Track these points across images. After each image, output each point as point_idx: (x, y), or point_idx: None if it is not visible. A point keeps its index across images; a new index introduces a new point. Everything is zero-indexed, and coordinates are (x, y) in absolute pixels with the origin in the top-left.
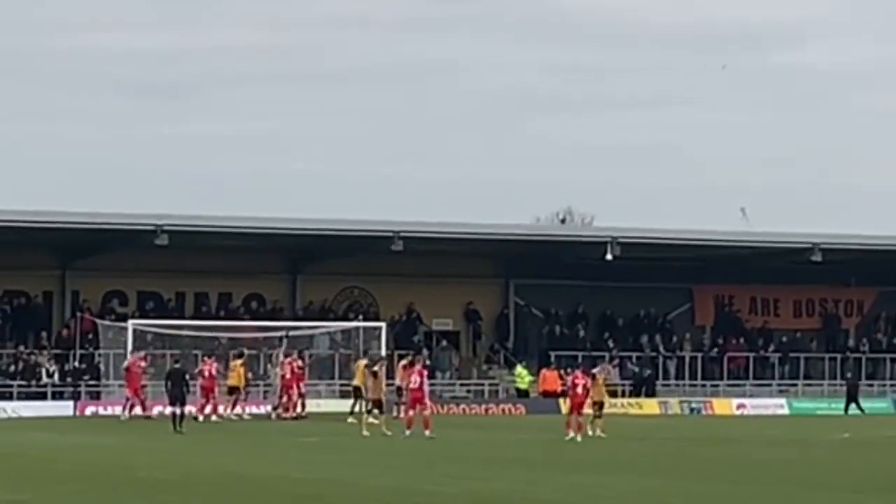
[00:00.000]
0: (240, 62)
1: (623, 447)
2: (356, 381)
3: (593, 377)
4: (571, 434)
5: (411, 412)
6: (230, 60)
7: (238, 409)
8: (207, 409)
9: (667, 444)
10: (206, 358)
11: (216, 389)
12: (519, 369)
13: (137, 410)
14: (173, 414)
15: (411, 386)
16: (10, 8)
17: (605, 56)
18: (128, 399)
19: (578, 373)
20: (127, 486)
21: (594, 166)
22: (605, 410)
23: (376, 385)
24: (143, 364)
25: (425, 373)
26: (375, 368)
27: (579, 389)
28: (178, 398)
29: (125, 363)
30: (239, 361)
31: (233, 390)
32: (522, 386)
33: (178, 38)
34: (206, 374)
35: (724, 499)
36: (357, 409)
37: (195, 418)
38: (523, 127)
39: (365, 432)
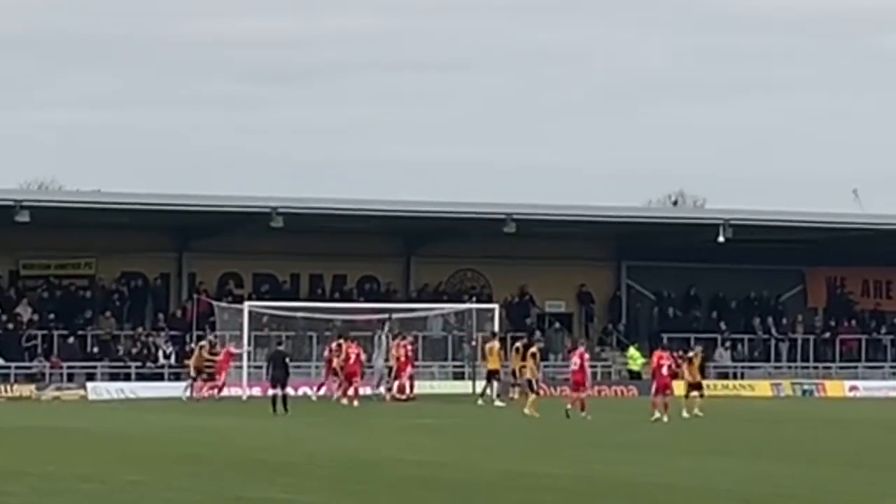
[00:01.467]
0: (358, 48)
1: (735, 429)
2: (491, 365)
3: (689, 360)
4: (657, 414)
5: (574, 394)
6: (349, 47)
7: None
8: (350, 392)
9: (781, 426)
10: (348, 341)
11: (360, 373)
12: (631, 351)
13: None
14: (274, 396)
15: (572, 368)
16: None
17: (719, 40)
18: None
19: (663, 353)
20: (245, 467)
21: (706, 149)
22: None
23: (533, 366)
24: (234, 352)
25: (587, 356)
26: (534, 350)
27: (664, 370)
28: (279, 380)
29: (221, 349)
30: (334, 344)
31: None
32: (635, 368)
33: (296, 24)
34: (352, 357)
35: (839, 483)
36: (489, 391)
37: (337, 400)
38: (636, 111)
39: (529, 411)
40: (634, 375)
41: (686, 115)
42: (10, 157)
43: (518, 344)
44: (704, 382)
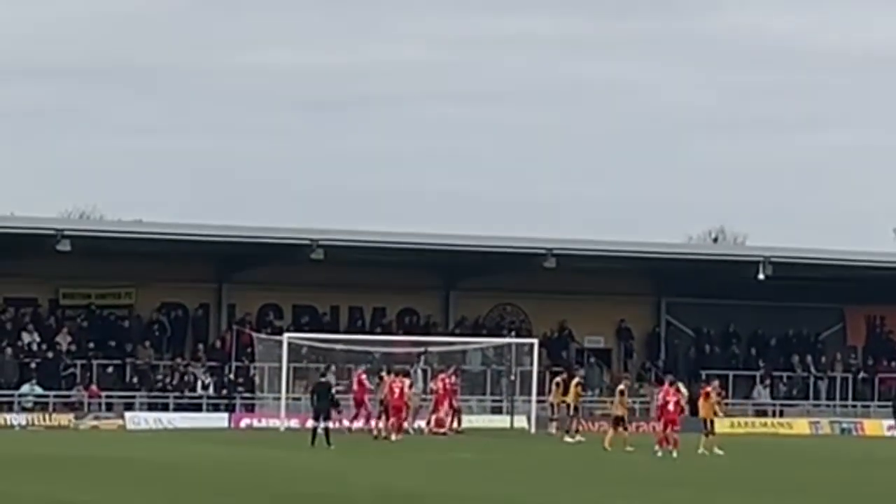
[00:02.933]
0: (400, 80)
1: (775, 468)
2: (570, 399)
3: (706, 395)
4: (660, 450)
5: (666, 431)
6: (389, 78)
7: (360, 423)
8: (393, 425)
9: (821, 466)
10: (392, 375)
11: (405, 408)
12: (680, 387)
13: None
14: (314, 428)
15: (669, 407)
16: (190, 25)
17: (761, 77)
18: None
19: (669, 388)
20: (285, 500)
21: (748, 186)
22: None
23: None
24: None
25: (679, 394)
26: (622, 387)
27: (671, 406)
28: (322, 412)
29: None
30: (364, 377)
31: (359, 404)
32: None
33: (339, 56)
34: (396, 391)
35: None
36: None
37: (385, 437)
38: (677, 146)
39: (629, 448)
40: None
41: (728, 152)
42: (52, 186)
43: (558, 378)
44: (740, 420)
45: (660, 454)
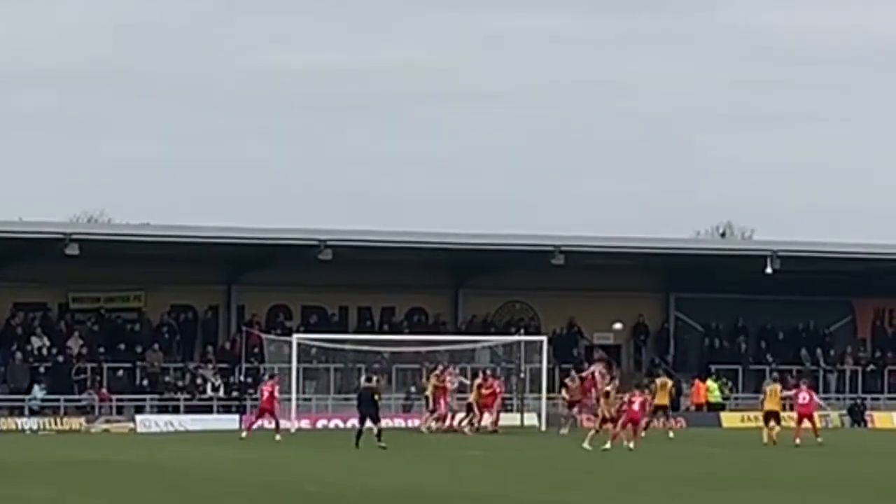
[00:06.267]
0: (409, 81)
1: (791, 461)
2: (659, 400)
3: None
4: (609, 444)
5: (801, 426)
6: (398, 79)
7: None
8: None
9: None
10: (443, 370)
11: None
12: (709, 383)
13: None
14: (359, 431)
15: (634, 407)
16: (195, 29)
17: (767, 72)
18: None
19: (636, 391)
20: (295, 500)
21: (755, 181)
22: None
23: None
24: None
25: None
26: (608, 389)
27: (635, 406)
28: (367, 415)
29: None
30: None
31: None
32: (713, 400)
33: (349, 56)
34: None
35: None
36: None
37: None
38: (684, 143)
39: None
40: (715, 407)
41: (734, 147)
42: (60, 191)
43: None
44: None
45: (607, 446)
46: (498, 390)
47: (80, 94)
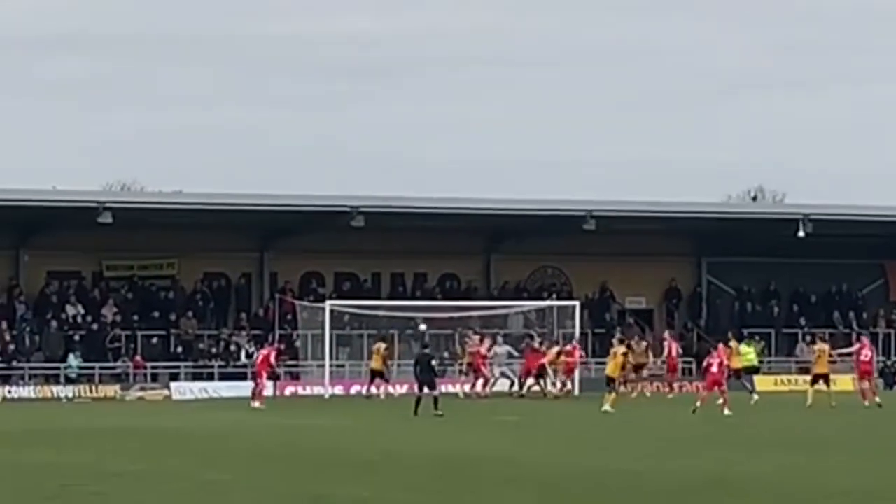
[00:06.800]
0: (442, 46)
1: (823, 423)
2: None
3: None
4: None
5: (864, 384)
6: (432, 44)
7: (374, 390)
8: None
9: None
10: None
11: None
12: (743, 347)
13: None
14: (417, 398)
15: (862, 359)
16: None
17: (798, 34)
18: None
19: (714, 350)
20: (332, 466)
21: (786, 144)
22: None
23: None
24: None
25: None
26: (620, 348)
27: (714, 368)
28: (425, 383)
29: (258, 354)
30: (383, 345)
31: (374, 374)
32: (747, 363)
33: (380, 22)
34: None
35: None
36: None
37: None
38: (715, 106)
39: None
40: (751, 370)
41: (765, 110)
42: (93, 159)
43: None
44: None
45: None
46: (579, 357)
47: (111, 61)
